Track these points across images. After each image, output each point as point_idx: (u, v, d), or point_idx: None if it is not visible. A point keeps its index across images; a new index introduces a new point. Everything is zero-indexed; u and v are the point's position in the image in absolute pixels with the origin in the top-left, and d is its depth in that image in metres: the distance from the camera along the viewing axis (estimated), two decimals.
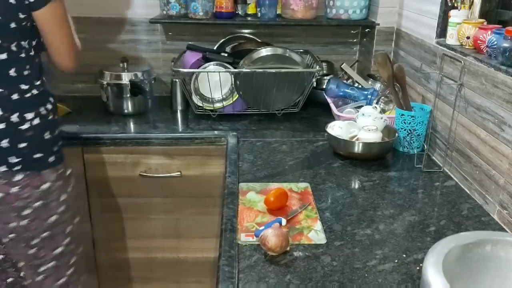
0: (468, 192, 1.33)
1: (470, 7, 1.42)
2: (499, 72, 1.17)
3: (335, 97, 1.89)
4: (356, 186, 1.37)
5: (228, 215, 1.17)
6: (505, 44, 1.15)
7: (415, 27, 1.76)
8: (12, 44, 1.22)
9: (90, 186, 1.74)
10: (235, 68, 1.83)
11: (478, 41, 1.29)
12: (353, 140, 1.52)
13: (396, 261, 1.01)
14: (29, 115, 1.25)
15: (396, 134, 1.54)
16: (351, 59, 2.23)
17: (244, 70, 1.80)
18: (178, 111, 2.00)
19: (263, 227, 1.08)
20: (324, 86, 1.94)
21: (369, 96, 1.81)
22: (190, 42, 2.03)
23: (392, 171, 1.47)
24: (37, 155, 1.27)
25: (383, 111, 1.71)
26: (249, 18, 2.04)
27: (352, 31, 2.21)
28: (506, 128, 1.15)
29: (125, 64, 1.91)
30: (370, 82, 1.97)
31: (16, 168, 1.24)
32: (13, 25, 1.20)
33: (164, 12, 1.99)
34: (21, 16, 1.20)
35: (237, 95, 1.87)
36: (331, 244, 1.07)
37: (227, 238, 1.07)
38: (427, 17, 1.63)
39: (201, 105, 1.90)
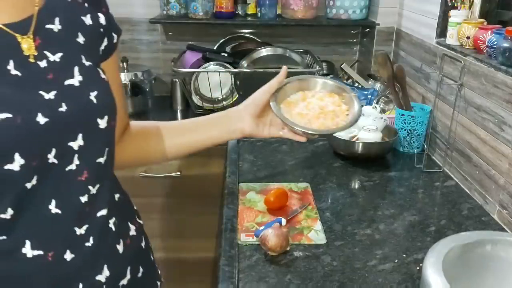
0: (468, 192, 1.33)
1: (470, 7, 1.42)
2: (499, 72, 1.17)
3: None
4: (356, 186, 1.37)
5: (228, 215, 1.16)
6: (505, 44, 1.15)
7: (415, 27, 1.76)
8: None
9: None
10: (235, 68, 1.83)
11: (478, 41, 1.29)
12: (353, 140, 1.52)
13: (396, 261, 1.01)
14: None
15: (396, 134, 1.54)
16: (351, 59, 2.23)
17: (244, 70, 1.80)
18: (178, 111, 2.00)
19: (263, 227, 1.08)
20: None
21: (369, 96, 1.81)
22: (190, 42, 2.03)
23: (392, 171, 1.47)
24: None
25: (383, 111, 1.71)
26: (249, 18, 2.04)
27: (352, 31, 2.21)
28: (506, 128, 1.15)
29: (125, 64, 1.91)
30: (370, 82, 1.96)
31: None
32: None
33: (164, 12, 1.99)
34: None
35: (237, 95, 1.87)
36: (331, 244, 1.06)
37: (227, 238, 1.07)
38: (427, 17, 1.63)
39: (201, 105, 1.90)
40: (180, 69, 1.87)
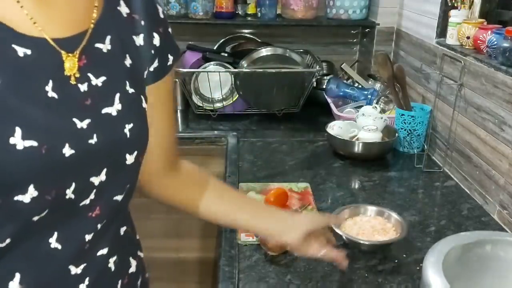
0: (468, 192, 1.33)
1: (470, 7, 1.42)
2: (499, 72, 1.17)
3: (335, 97, 1.89)
4: (356, 186, 1.37)
5: None
6: (505, 44, 1.15)
7: (415, 27, 1.76)
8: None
9: None
10: (235, 68, 1.83)
11: (478, 41, 1.29)
12: (353, 140, 1.52)
13: (396, 261, 1.01)
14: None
15: (396, 134, 1.54)
16: (351, 59, 2.23)
17: (244, 70, 1.80)
18: (178, 111, 1.99)
19: None
20: (324, 86, 1.94)
21: (369, 96, 1.81)
22: (190, 42, 2.03)
23: (392, 171, 1.47)
24: None
25: (383, 111, 1.71)
26: (249, 18, 2.04)
27: (352, 31, 2.21)
28: (506, 128, 1.15)
29: None
30: (370, 82, 1.96)
31: None
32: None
33: (164, 12, 1.99)
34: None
35: (237, 95, 1.87)
36: None
37: (227, 238, 1.07)
38: (427, 17, 1.63)
39: (201, 105, 1.90)
40: (180, 69, 1.86)
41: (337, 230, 1.02)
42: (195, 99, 1.89)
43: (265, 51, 1.83)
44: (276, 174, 1.41)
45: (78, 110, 0.58)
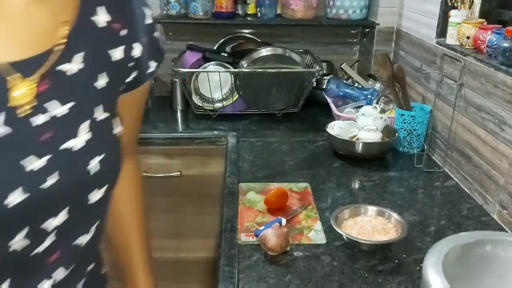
0: (468, 192, 1.33)
1: (470, 7, 1.42)
2: (499, 72, 1.17)
3: (335, 97, 1.89)
4: (356, 186, 1.37)
5: (228, 215, 1.16)
6: (505, 44, 1.15)
7: (415, 27, 1.76)
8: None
9: None
10: (235, 68, 1.83)
11: (478, 41, 1.29)
12: (353, 140, 1.52)
13: (396, 261, 1.01)
14: None
15: (396, 134, 1.54)
16: (351, 59, 2.23)
17: (244, 70, 1.80)
18: (178, 111, 2.00)
19: (263, 227, 1.08)
20: (324, 86, 1.94)
21: (369, 96, 1.81)
22: (190, 42, 2.03)
23: (392, 171, 1.47)
24: None
25: (383, 111, 1.71)
26: (249, 18, 2.04)
27: (352, 31, 2.21)
28: (506, 128, 1.15)
29: None
30: (370, 82, 1.96)
31: None
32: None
33: (164, 12, 1.99)
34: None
35: (237, 95, 1.87)
36: (331, 244, 1.06)
37: (227, 238, 1.07)
38: (427, 17, 1.63)
39: (201, 105, 1.90)
40: (180, 69, 1.86)
41: (338, 230, 1.03)
42: (195, 99, 1.90)
43: (265, 51, 1.83)
44: (276, 174, 1.41)
45: (31, 148, 0.50)
